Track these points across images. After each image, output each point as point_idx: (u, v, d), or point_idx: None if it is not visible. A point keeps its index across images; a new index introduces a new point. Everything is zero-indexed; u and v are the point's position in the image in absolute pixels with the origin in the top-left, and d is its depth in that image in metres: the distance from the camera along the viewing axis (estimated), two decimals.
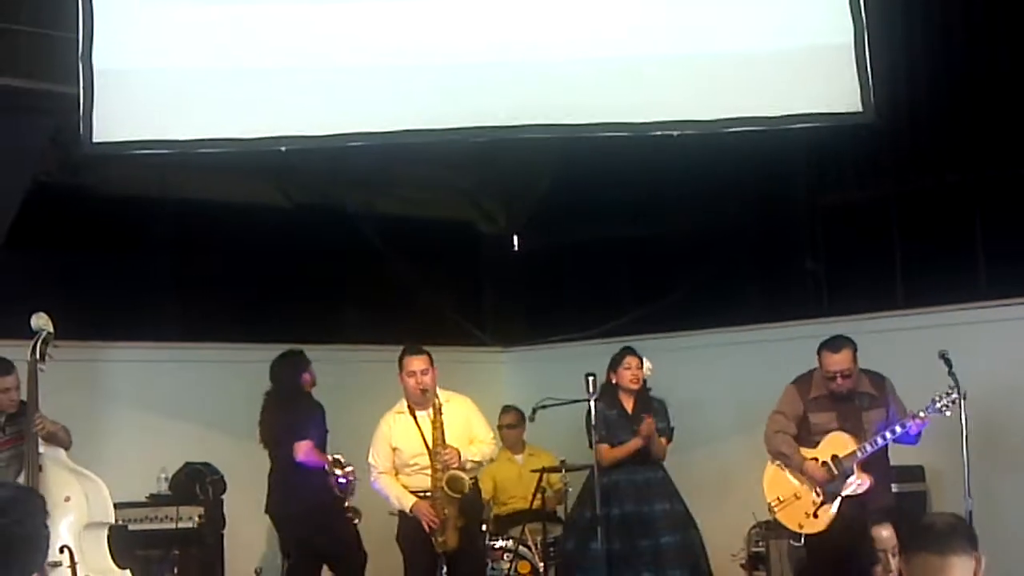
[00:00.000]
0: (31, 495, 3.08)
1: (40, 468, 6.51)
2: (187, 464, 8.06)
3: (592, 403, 7.08)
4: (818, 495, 6.61)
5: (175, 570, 7.70)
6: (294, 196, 9.16)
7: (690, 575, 7.17)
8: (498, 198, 10.01)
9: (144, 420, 8.36)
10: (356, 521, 7.60)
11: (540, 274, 9.96)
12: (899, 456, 6.85)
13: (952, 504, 6.95)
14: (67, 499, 6.51)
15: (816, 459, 6.65)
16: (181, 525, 7.75)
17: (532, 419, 7.91)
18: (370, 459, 7.19)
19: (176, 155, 7.44)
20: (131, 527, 7.47)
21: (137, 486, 7.86)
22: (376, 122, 7.13)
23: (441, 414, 6.89)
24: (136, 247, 8.44)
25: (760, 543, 7.79)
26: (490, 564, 7.92)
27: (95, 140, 7.03)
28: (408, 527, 7.08)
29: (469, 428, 7.13)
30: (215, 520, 7.88)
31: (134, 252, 8.44)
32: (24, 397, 6.66)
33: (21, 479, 6.49)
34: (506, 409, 8.83)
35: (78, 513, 6.53)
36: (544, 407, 7.76)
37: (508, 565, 7.95)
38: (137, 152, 7.30)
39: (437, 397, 6.92)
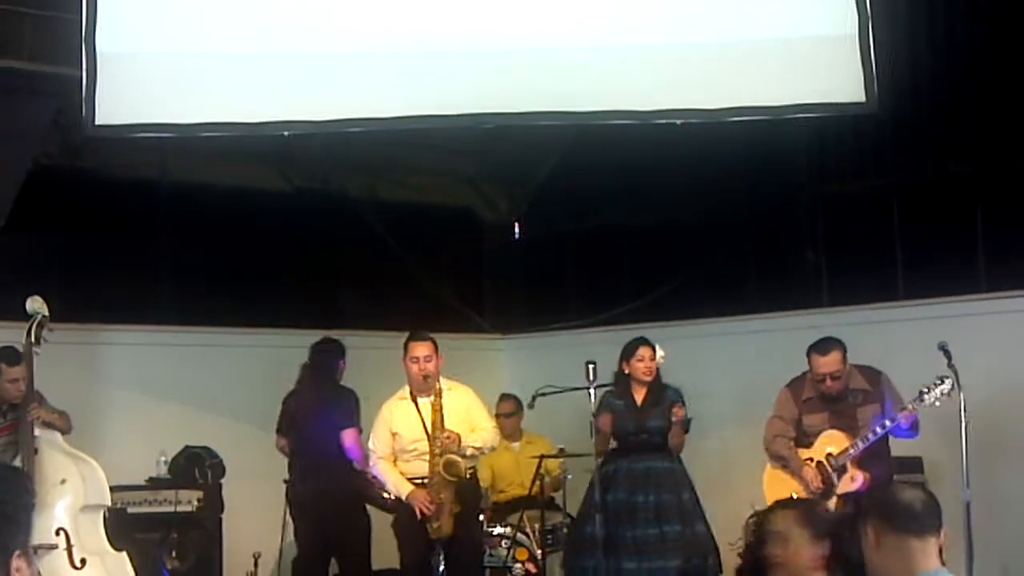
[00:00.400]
0: (15, 474, 3.09)
1: (36, 451, 6.52)
2: (186, 448, 8.07)
3: (592, 391, 7.10)
4: (815, 495, 6.62)
5: (174, 553, 7.70)
6: (295, 181, 9.16)
7: (693, 567, 7.14)
8: (500, 185, 9.99)
9: (143, 403, 8.37)
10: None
11: (541, 261, 9.96)
12: (897, 448, 6.85)
13: (950, 496, 6.96)
14: (63, 481, 6.53)
15: (811, 459, 6.66)
16: (180, 509, 7.76)
17: (531, 406, 7.91)
18: (370, 444, 7.21)
19: (177, 139, 7.47)
20: (130, 510, 7.49)
21: (136, 469, 7.86)
22: (378, 107, 7.12)
23: (441, 398, 6.90)
24: (137, 230, 8.45)
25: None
26: (488, 551, 7.93)
27: (97, 123, 7.03)
28: (404, 514, 7.09)
29: (470, 417, 7.13)
30: (214, 504, 7.89)
31: (135, 235, 8.44)
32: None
33: (18, 462, 6.51)
34: (503, 397, 8.83)
35: (74, 495, 6.54)
36: (543, 395, 7.75)
37: (506, 552, 7.95)
38: (139, 135, 7.32)
39: (439, 385, 6.93)
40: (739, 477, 8.04)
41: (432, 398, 6.92)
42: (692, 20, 7.11)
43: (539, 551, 7.94)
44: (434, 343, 7.08)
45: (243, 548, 8.03)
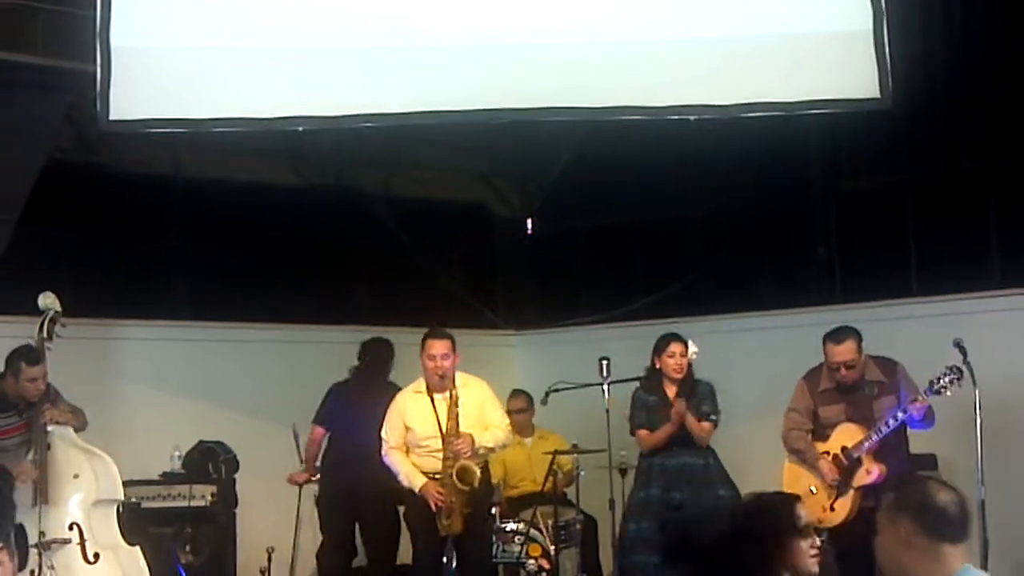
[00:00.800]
0: None
1: (48, 446, 6.54)
2: (200, 443, 8.08)
3: (606, 387, 7.10)
4: (832, 488, 6.61)
5: (187, 548, 7.72)
6: (308, 176, 9.16)
7: None
8: (512, 180, 9.99)
9: (157, 398, 8.38)
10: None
11: (553, 257, 9.95)
12: (912, 444, 6.83)
13: (964, 492, 6.94)
14: (76, 476, 6.55)
15: (828, 452, 6.65)
16: (194, 503, 7.77)
17: (544, 403, 7.90)
18: (383, 433, 7.21)
19: (191, 134, 7.46)
20: (144, 505, 7.51)
21: (150, 464, 7.88)
22: (391, 103, 7.12)
23: (458, 406, 6.90)
24: (150, 225, 8.46)
25: None
26: (501, 547, 7.93)
27: (111, 118, 7.05)
28: (417, 508, 7.10)
29: (483, 413, 7.13)
30: (228, 498, 7.90)
31: (148, 230, 8.45)
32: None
33: (31, 457, 6.53)
34: (515, 394, 8.82)
35: (87, 490, 6.57)
36: (557, 391, 7.75)
37: (519, 548, 7.95)
38: (152, 130, 7.31)
39: (455, 387, 6.92)
40: (754, 471, 8.01)
41: (447, 395, 6.92)
42: (705, 15, 7.09)
43: (552, 547, 7.94)
44: (452, 341, 7.09)
45: (257, 543, 8.04)
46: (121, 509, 6.70)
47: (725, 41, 7.07)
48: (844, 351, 6.57)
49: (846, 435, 6.59)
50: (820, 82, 6.99)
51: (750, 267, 8.80)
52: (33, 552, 6.39)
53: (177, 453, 8.08)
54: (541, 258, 10.04)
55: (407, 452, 7.15)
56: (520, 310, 10.14)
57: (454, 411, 6.89)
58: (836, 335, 6.61)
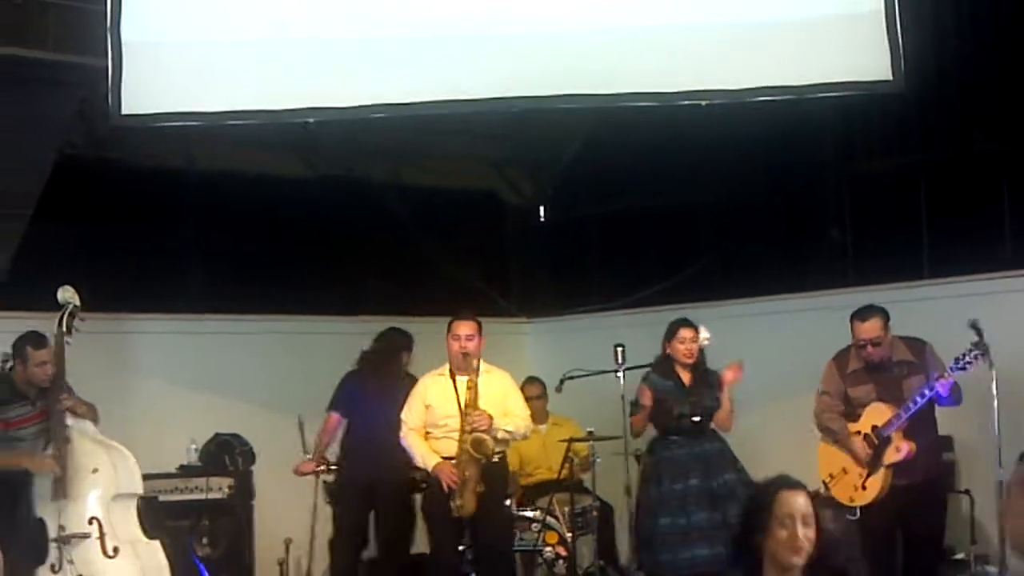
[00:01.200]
0: None
1: (68, 440, 6.56)
2: (216, 435, 8.11)
3: (621, 374, 7.10)
4: (864, 467, 6.63)
5: (205, 540, 7.75)
6: (319, 168, 9.16)
7: None
8: (524, 168, 9.97)
9: (172, 392, 8.40)
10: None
11: (566, 244, 9.93)
12: None
13: (981, 475, 6.95)
14: (95, 471, 6.57)
15: (859, 432, 6.66)
16: (211, 496, 7.81)
17: (559, 390, 7.90)
18: (403, 415, 7.23)
19: (203, 127, 7.47)
20: (161, 498, 7.53)
21: (166, 457, 7.90)
22: (401, 93, 7.13)
23: (478, 375, 6.94)
24: (162, 219, 8.47)
25: None
26: (518, 535, 7.94)
27: (123, 112, 7.07)
28: (433, 497, 7.12)
29: (505, 402, 7.15)
30: (244, 491, 7.94)
31: (161, 224, 8.46)
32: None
33: (50, 451, 6.55)
34: (529, 381, 8.81)
35: (106, 484, 6.58)
36: (571, 378, 7.75)
37: (536, 535, 7.97)
38: (164, 124, 7.34)
39: (478, 373, 6.95)
40: (768, 457, 8.00)
41: (470, 378, 6.95)
42: (717, 0, 7.08)
43: (569, 534, 7.95)
44: (478, 324, 7.14)
45: (274, 535, 8.08)
46: (140, 503, 6.72)
47: (736, 25, 7.07)
48: (870, 328, 6.61)
49: (876, 414, 6.61)
50: (832, 65, 6.99)
51: (763, 251, 8.78)
52: (53, 546, 6.43)
53: (194, 446, 8.11)
54: (553, 245, 10.03)
55: (426, 436, 7.18)
56: (533, 297, 10.14)
57: (474, 382, 6.94)
58: (862, 313, 6.67)
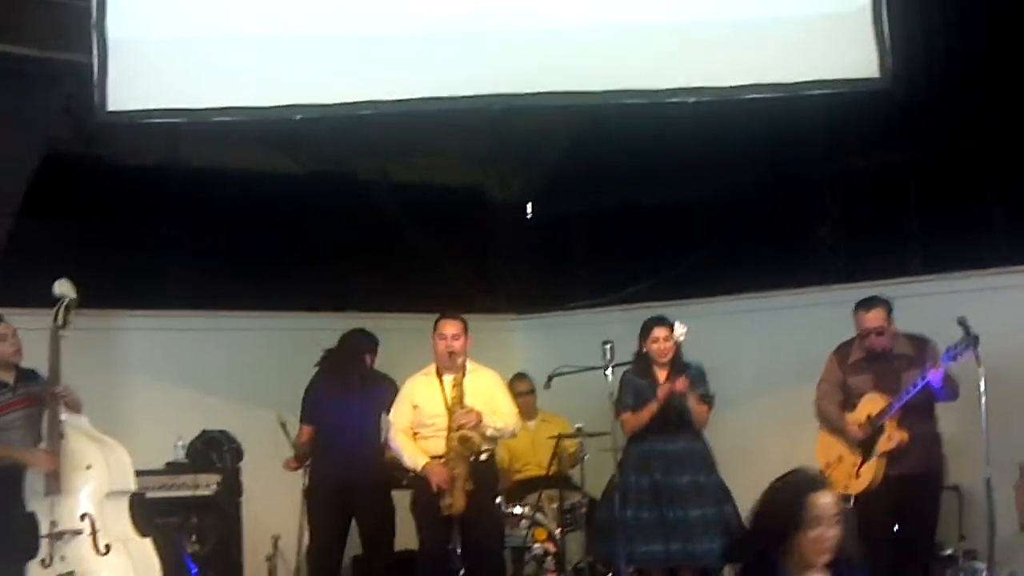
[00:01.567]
0: None
1: (62, 435, 6.54)
2: (204, 432, 8.07)
3: (609, 371, 7.10)
4: (858, 455, 6.67)
5: (193, 537, 7.73)
6: (307, 164, 9.15)
7: (722, 548, 7.12)
8: (512, 165, 9.97)
9: (159, 388, 8.38)
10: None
11: (555, 241, 9.93)
12: None
13: (970, 472, 6.97)
14: (88, 467, 6.54)
15: (856, 422, 6.72)
16: (199, 492, 7.78)
17: (548, 387, 7.90)
18: (390, 416, 7.24)
19: (189, 124, 7.45)
20: (149, 495, 7.46)
21: (154, 454, 7.85)
22: (389, 90, 7.12)
23: (464, 375, 6.97)
24: (150, 216, 8.44)
25: None
26: (507, 531, 7.94)
27: (109, 109, 7.04)
28: (421, 495, 7.12)
29: (493, 401, 7.16)
30: (232, 487, 7.91)
31: (148, 221, 8.44)
32: (33, 360, 6.71)
33: (43, 445, 6.53)
34: (517, 377, 8.82)
35: (99, 481, 6.55)
36: (560, 375, 7.75)
37: (525, 532, 7.97)
38: (151, 121, 7.31)
39: (465, 371, 6.96)
40: (758, 453, 8.04)
41: (456, 377, 6.95)
42: None
43: (558, 530, 7.96)
44: (464, 323, 7.15)
45: (262, 531, 8.07)
46: (131, 500, 6.70)
47: (724, 23, 7.07)
48: (873, 318, 6.70)
49: (871, 404, 6.68)
50: (819, 63, 7.01)
51: (751, 248, 8.79)
52: (44, 542, 6.41)
53: (180, 443, 8.07)
54: (542, 242, 10.03)
55: (414, 437, 7.18)
56: (521, 294, 10.12)
57: (459, 380, 6.95)
58: (865, 303, 6.76)
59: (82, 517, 6.46)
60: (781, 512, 3.78)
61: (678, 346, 7.22)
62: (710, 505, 7.10)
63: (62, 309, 6.58)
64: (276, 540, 7.98)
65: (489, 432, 7.03)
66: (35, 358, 6.83)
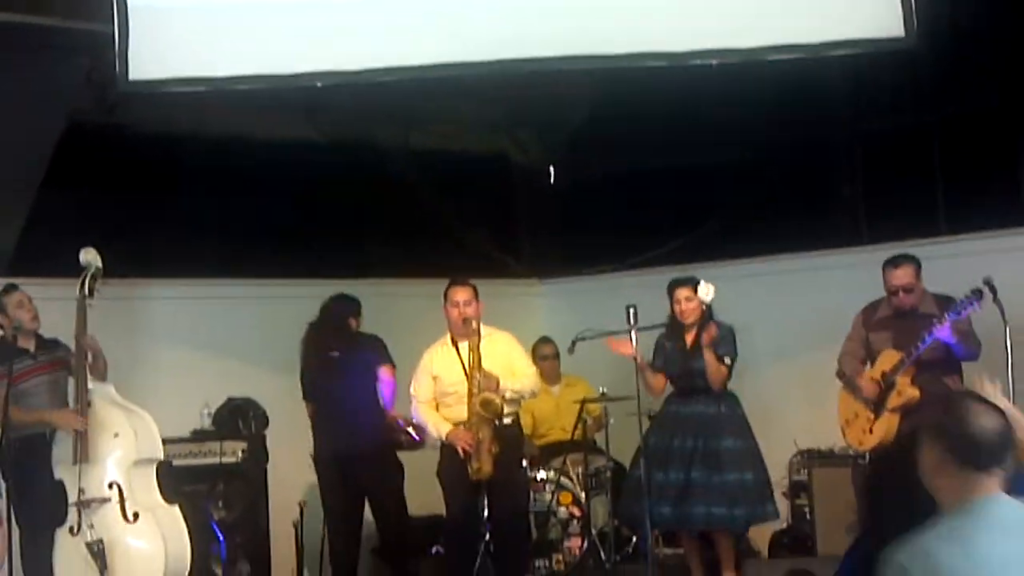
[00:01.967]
0: None
1: (89, 404, 6.58)
2: (229, 399, 8.11)
3: (633, 334, 7.11)
4: (871, 411, 6.67)
5: (220, 504, 7.78)
6: (328, 131, 9.12)
7: (746, 513, 7.12)
8: (533, 130, 9.93)
9: (185, 356, 8.40)
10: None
11: (578, 205, 9.88)
12: None
13: None
14: (116, 435, 6.60)
15: (872, 378, 6.72)
16: (225, 460, 7.81)
17: (572, 351, 7.90)
18: (411, 390, 7.27)
19: (211, 92, 7.43)
20: (176, 462, 7.50)
21: (180, 422, 7.90)
22: (410, 56, 7.09)
23: (479, 339, 6.97)
24: (173, 184, 8.44)
25: (802, 471, 7.80)
26: (532, 496, 7.97)
27: (131, 78, 7.04)
28: (447, 460, 7.15)
29: (510, 363, 7.18)
30: (258, 454, 7.94)
31: (171, 189, 8.43)
32: (59, 330, 6.76)
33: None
34: (542, 341, 8.84)
35: (126, 449, 6.61)
36: (583, 339, 7.74)
37: (550, 496, 8.00)
38: (172, 89, 7.29)
39: (480, 336, 6.97)
40: (779, 415, 8.06)
41: (471, 340, 6.96)
42: None
43: (583, 494, 7.98)
44: (474, 289, 7.17)
45: (289, 497, 8.10)
46: (160, 468, 6.74)
47: None
48: (902, 275, 6.68)
49: (887, 360, 6.67)
50: (843, 23, 6.92)
51: (775, 210, 8.75)
52: (72, 510, 6.47)
53: (207, 410, 8.12)
54: (565, 206, 9.99)
55: (436, 407, 7.21)
56: (544, 259, 10.12)
57: (475, 343, 6.96)
58: (894, 260, 6.75)
59: (110, 485, 6.52)
60: None
61: (708, 307, 7.17)
62: (737, 470, 7.07)
63: (88, 278, 6.61)
64: (302, 506, 8.02)
65: (508, 395, 7.05)
66: (61, 328, 6.88)
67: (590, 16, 7.02)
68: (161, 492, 6.68)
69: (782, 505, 7.64)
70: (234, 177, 8.49)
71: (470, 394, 7.00)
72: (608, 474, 8.00)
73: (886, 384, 6.62)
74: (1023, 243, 7.59)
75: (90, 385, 6.60)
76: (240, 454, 7.89)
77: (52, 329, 6.99)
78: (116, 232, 7.95)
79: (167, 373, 8.22)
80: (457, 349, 7.15)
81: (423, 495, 7.68)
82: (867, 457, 6.72)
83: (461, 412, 7.09)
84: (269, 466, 7.98)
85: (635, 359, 7.17)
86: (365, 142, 9.17)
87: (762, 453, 7.23)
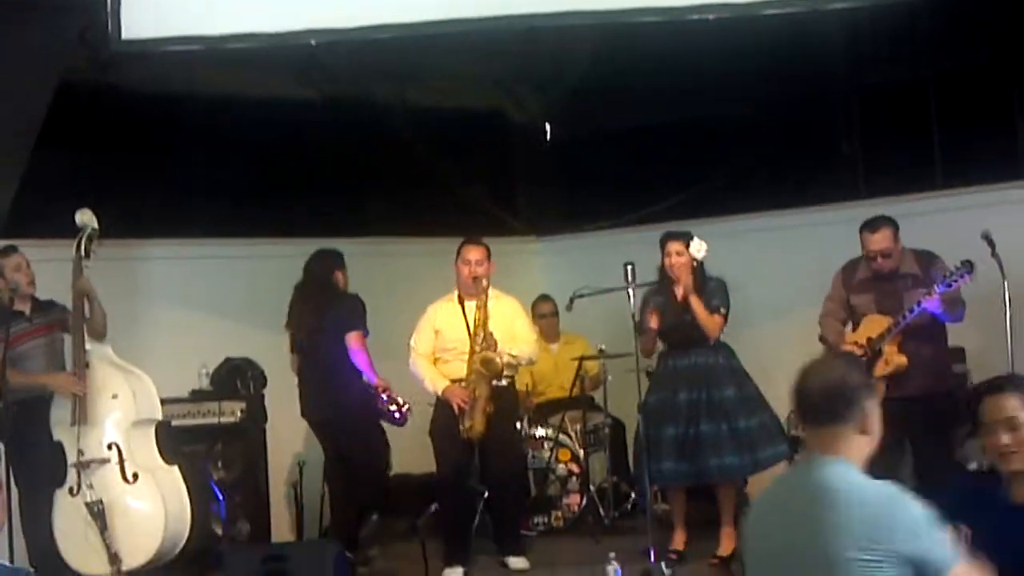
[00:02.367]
0: None
1: (87, 365, 6.58)
2: (227, 359, 8.12)
3: (631, 291, 7.08)
4: None
5: (220, 464, 7.79)
6: (324, 89, 9.07)
7: (741, 464, 7.10)
8: (530, 86, 9.88)
9: (182, 317, 8.41)
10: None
11: (576, 162, 9.87)
12: None
13: None
14: (114, 396, 6.60)
15: (856, 343, 6.62)
16: (223, 420, 7.82)
17: (569, 308, 7.90)
18: (411, 342, 7.26)
19: (205, 51, 7.38)
20: (174, 423, 7.53)
21: (178, 382, 7.92)
22: (406, 13, 7.03)
23: (487, 298, 6.98)
24: (167, 144, 8.40)
25: (799, 427, 7.79)
26: (531, 453, 8.00)
27: (124, 37, 6.99)
28: (440, 418, 7.16)
29: (513, 328, 7.19)
30: (257, 414, 7.95)
31: (165, 149, 8.39)
32: (56, 292, 6.75)
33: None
34: (541, 299, 8.85)
35: (125, 410, 6.62)
36: (581, 296, 7.74)
37: (549, 454, 8.02)
38: (166, 49, 7.24)
39: (487, 297, 6.97)
40: (776, 372, 7.99)
41: (478, 302, 6.96)
42: None
43: (581, 451, 8.00)
44: (487, 249, 7.17)
45: (288, 457, 8.14)
46: (157, 429, 6.75)
47: None
48: (879, 239, 6.54)
49: (872, 325, 6.58)
50: None
51: (773, 165, 8.74)
52: (72, 471, 6.48)
53: (205, 370, 8.13)
54: (563, 163, 9.96)
55: (435, 362, 7.21)
56: (542, 216, 10.10)
57: (483, 302, 6.98)
58: (872, 224, 6.60)
59: (109, 446, 6.53)
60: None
61: (700, 263, 7.13)
62: (744, 416, 7.01)
63: (84, 239, 6.59)
64: (301, 466, 8.04)
65: (506, 359, 7.05)
66: (58, 289, 6.86)
67: None
68: (160, 453, 6.69)
69: None
70: (229, 136, 8.46)
71: (471, 352, 7.00)
72: (606, 431, 8.03)
73: (872, 351, 6.52)
74: (1019, 196, 7.57)
75: (88, 346, 6.59)
76: (239, 414, 7.89)
77: (50, 290, 6.98)
78: (111, 193, 7.92)
79: (164, 333, 8.22)
80: (463, 307, 7.16)
81: (420, 453, 7.69)
82: None
83: (459, 368, 7.10)
84: (267, 426, 7.99)
85: (632, 316, 7.14)
86: (362, 99, 9.11)
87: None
